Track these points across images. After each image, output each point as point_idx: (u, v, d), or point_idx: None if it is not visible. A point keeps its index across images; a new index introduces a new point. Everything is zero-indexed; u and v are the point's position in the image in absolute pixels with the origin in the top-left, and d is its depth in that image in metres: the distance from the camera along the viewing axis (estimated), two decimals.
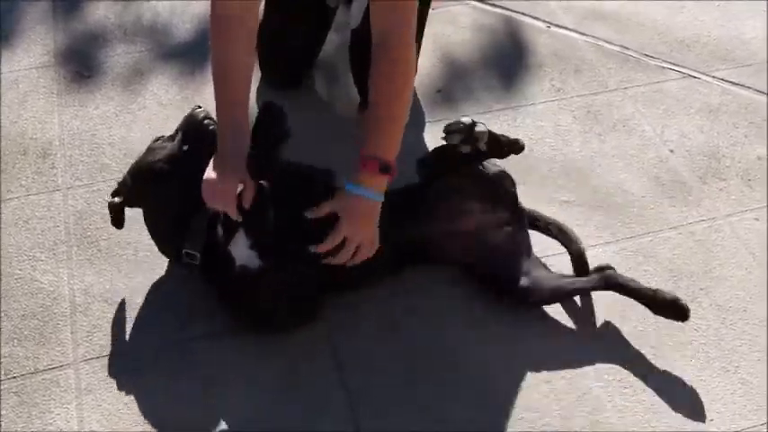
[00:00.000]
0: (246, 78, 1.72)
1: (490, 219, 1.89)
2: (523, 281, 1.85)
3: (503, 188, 1.91)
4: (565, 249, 1.98)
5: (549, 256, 1.98)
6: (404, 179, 1.85)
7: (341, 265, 1.73)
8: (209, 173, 1.64)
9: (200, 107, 1.80)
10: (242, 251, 1.71)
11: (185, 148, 1.77)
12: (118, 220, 1.88)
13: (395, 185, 1.76)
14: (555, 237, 1.98)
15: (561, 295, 1.89)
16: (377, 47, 1.71)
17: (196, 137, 1.77)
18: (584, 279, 1.89)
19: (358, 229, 1.69)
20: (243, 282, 1.73)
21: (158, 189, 1.79)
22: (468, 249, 1.88)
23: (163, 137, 1.83)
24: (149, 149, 1.82)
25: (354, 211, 1.69)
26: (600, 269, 1.89)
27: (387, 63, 1.70)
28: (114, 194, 1.87)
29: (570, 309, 1.91)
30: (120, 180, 1.86)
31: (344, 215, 1.69)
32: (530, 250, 1.92)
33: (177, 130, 1.82)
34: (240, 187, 1.63)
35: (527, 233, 1.94)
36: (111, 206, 1.87)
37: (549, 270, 1.92)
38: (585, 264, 1.93)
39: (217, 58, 1.71)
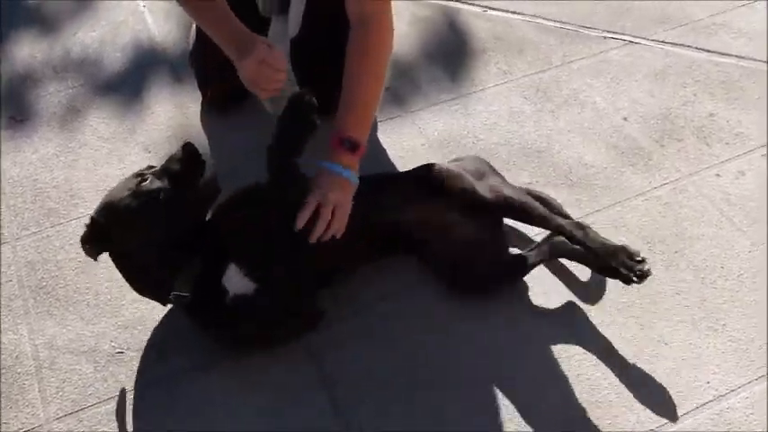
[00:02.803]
0: None
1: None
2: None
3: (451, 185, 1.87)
4: (537, 233, 1.97)
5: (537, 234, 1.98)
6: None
7: (325, 255, 1.74)
8: (244, 64, 1.83)
9: (190, 143, 1.70)
10: (236, 281, 1.67)
11: (173, 189, 1.66)
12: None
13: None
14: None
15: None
16: (355, 32, 1.79)
17: (186, 176, 1.67)
18: (532, 253, 1.90)
19: (328, 195, 1.70)
20: (240, 310, 1.68)
21: (144, 234, 1.65)
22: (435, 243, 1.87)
23: (142, 174, 1.69)
24: (131, 190, 1.65)
25: (325, 181, 1.73)
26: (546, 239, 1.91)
27: (365, 48, 1.79)
28: (85, 240, 1.69)
29: (549, 289, 1.89)
30: (90, 221, 1.69)
31: (315, 186, 1.72)
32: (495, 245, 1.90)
33: (162, 169, 1.69)
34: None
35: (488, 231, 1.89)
36: (86, 251, 1.72)
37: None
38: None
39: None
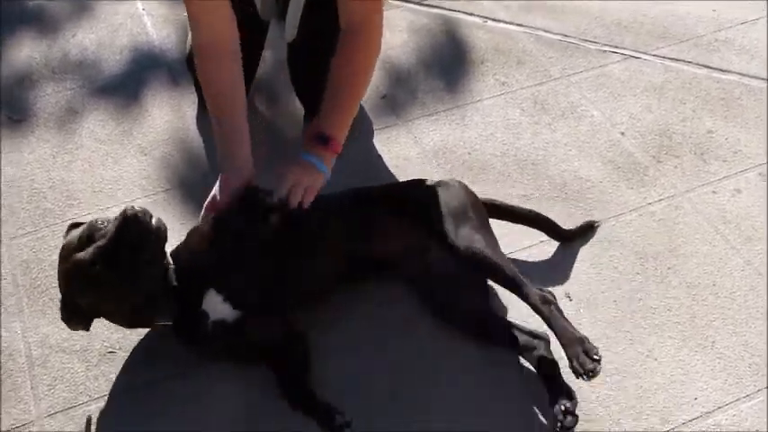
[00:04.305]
0: (240, 92, 1.87)
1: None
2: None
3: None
4: (529, 245, 1.99)
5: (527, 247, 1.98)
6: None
7: (306, 284, 1.76)
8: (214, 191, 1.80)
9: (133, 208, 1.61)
10: (215, 307, 1.70)
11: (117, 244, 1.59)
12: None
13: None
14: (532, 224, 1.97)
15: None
16: (346, 32, 1.84)
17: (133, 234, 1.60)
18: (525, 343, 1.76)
19: (300, 177, 1.78)
20: (223, 335, 1.71)
21: (107, 293, 1.63)
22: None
23: (68, 237, 1.66)
24: (72, 261, 1.61)
25: (296, 169, 1.80)
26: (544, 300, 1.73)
27: (351, 55, 1.85)
28: (67, 320, 1.70)
29: None
30: (61, 304, 1.68)
31: (287, 172, 1.79)
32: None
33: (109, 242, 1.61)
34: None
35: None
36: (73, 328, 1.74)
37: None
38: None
39: (208, 79, 1.88)
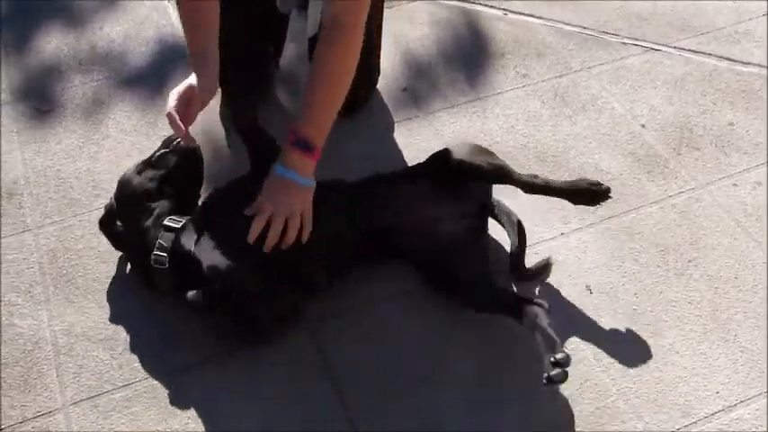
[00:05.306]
0: (213, 18, 1.77)
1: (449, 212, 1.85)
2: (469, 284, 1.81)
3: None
4: (549, 237, 2.00)
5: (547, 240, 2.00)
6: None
7: (308, 260, 1.75)
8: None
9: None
10: (207, 252, 1.72)
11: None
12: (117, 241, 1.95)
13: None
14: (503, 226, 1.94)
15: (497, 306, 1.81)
16: (328, 30, 1.75)
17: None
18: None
19: (279, 204, 1.67)
20: (216, 281, 1.72)
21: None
22: (425, 242, 1.84)
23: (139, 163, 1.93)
24: (132, 178, 1.90)
25: (276, 188, 1.71)
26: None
27: (335, 47, 1.75)
28: (102, 221, 1.95)
29: (559, 293, 1.90)
30: (107, 204, 1.94)
31: (266, 192, 1.70)
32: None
33: (155, 154, 1.93)
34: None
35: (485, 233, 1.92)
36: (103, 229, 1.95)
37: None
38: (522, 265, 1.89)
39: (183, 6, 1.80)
